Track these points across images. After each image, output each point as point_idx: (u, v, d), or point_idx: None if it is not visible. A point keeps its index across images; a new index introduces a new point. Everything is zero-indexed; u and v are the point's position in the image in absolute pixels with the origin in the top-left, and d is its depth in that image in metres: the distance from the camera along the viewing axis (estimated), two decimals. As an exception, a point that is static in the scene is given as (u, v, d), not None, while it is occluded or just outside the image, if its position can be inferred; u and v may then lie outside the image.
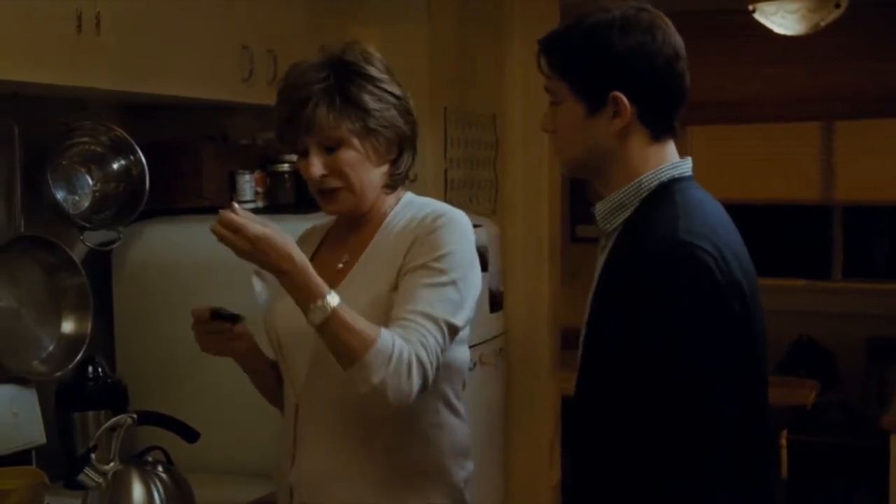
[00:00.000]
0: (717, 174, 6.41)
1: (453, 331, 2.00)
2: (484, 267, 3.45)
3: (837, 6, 4.55)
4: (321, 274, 2.01)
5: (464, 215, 2.12)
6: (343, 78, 2.05)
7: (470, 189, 4.21)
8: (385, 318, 1.98)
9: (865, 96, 6.16)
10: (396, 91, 2.10)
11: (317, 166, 2.07)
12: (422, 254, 2.02)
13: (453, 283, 2.01)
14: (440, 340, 1.95)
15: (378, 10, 3.85)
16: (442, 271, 2.00)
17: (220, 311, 2.06)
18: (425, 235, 2.05)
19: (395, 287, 2.02)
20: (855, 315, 6.33)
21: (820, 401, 5.22)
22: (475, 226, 3.40)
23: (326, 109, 2.03)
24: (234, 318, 2.07)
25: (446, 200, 3.98)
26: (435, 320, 1.96)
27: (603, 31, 1.70)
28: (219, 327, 2.07)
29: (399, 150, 2.12)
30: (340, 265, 2.15)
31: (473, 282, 2.07)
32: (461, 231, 2.08)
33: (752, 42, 5.78)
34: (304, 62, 2.11)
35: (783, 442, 5.00)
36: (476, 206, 4.23)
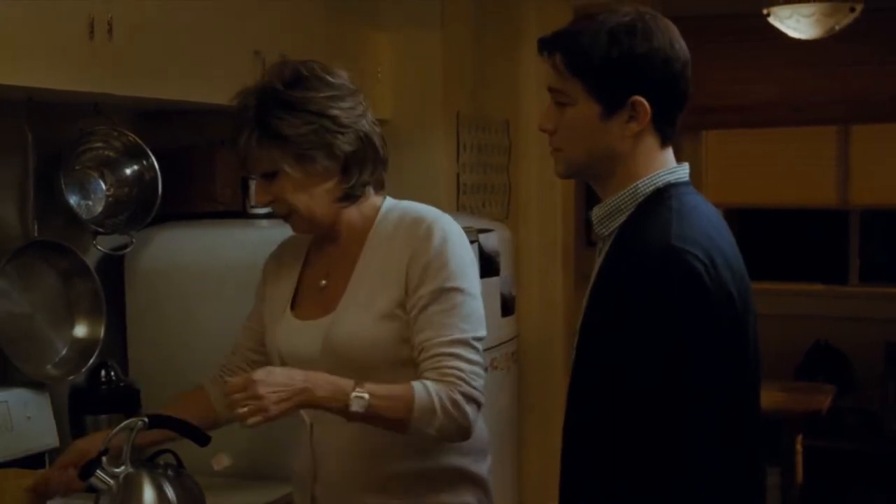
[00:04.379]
0: (732, 178, 6.35)
1: (481, 340, 2.04)
2: (496, 271, 3.49)
3: (852, 10, 4.53)
4: (306, 293, 2.11)
5: (448, 218, 2.10)
6: (263, 107, 2.04)
7: (483, 194, 4.21)
8: (394, 335, 2.03)
9: (881, 100, 6.13)
10: (329, 110, 2.03)
11: (262, 195, 2.10)
12: (428, 277, 2.02)
13: (469, 295, 2.04)
14: (476, 358, 2.01)
15: (391, 15, 3.86)
16: (455, 290, 2.02)
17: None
18: (423, 251, 2.04)
19: (402, 304, 2.04)
20: (872, 319, 6.30)
21: (836, 406, 5.19)
22: (487, 230, 3.43)
23: (254, 142, 2.04)
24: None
25: (459, 205, 4.01)
26: (465, 343, 2.00)
27: (625, 34, 1.68)
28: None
29: (343, 165, 2.07)
30: (323, 282, 2.15)
31: (476, 280, 2.09)
32: (453, 235, 2.07)
33: (767, 46, 5.75)
34: (246, 88, 2.09)
35: (798, 447, 4.97)
36: (489, 210, 4.23)
